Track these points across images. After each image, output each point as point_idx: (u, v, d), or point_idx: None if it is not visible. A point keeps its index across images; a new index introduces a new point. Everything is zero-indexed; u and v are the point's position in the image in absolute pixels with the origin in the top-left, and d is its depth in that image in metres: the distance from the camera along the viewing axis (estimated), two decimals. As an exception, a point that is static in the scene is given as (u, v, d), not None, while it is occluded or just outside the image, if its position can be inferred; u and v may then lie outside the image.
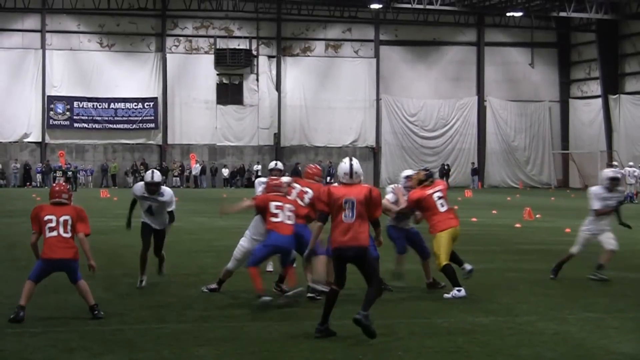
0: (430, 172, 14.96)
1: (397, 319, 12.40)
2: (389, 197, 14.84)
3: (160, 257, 15.50)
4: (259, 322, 12.31)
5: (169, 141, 67.72)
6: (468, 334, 11.38)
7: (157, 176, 15.00)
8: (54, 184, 13.12)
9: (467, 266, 14.97)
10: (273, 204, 13.52)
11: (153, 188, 14.87)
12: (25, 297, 11.95)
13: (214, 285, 14.63)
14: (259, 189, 15.50)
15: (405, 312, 12.99)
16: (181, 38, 68.33)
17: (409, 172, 15.32)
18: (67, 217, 12.09)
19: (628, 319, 12.92)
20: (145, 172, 64.53)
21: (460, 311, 12.97)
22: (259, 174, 61.89)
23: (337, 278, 10.96)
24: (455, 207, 15.13)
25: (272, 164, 17.26)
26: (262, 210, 13.59)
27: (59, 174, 60.22)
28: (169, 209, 15.08)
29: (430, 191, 14.48)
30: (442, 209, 14.46)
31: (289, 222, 13.43)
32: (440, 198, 14.47)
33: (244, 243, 14.61)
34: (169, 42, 67.89)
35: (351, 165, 10.94)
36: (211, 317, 12.64)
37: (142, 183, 15.21)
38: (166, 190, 15.17)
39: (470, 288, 14.65)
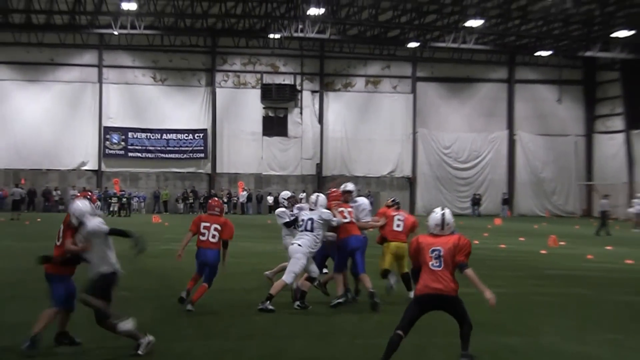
0: (396, 201, 17.27)
1: (426, 337, 12.41)
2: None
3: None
4: (299, 341, 12.38)
5: (218, 170, 68.07)
6: (493, 353, 11.40)
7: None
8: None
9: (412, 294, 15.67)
10: (202, 224, 14.98)
11: None
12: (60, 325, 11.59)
13: (268, 304, 14.90)
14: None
15: (432, 331, 13.02)
16: (230, 73, 68.77)
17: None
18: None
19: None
20: (194, 199, 65.29)
21: (487, 331, 12.96)
22: (303, 201, 62.01)
23: (406, 323, 10.30)
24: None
25: (285, 194, 17.81)
26: (195, 233, 15.08)
27: (114, 200, 60.68)
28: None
29: (394, 213, 16.70)
30: (396, 228, 16.49)
31: (213, 240, 14.83)
32: (399, 220, 16.59)
33: (303, 260, 15.00)
34: (219, 77, 68.37)
35: (443, 215, 10.47)
36: (253, 336, 12.71)
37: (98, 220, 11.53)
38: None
39: (496, 310, 14.69)
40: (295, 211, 16.59)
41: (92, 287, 11.09)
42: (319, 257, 15.85)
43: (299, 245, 15.20)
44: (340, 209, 15.71)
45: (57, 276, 11.37)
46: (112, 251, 11.31)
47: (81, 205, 11.42)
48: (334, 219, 15.45)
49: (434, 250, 10.20)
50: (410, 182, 70.94)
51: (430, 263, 10.19)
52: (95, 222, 11.28)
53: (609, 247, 32.66)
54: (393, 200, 17.28)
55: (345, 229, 15.57)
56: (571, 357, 11.60)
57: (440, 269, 10.14)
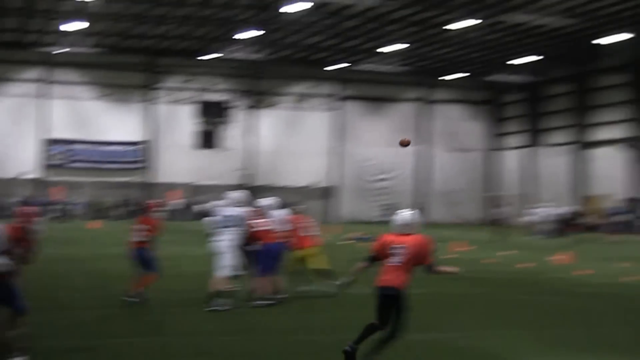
0: (298, 208, 18.09)
1: (331, 335, 12.76)
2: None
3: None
4: (227, 337, 12.57)
5: (155, 180, 67.82)
6: (396, 348, 11.28)
7: None
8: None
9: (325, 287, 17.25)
10: (135, 227, 15.77)
11: None
12: None
13: (219, 302, 15.14)
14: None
15: (340, 326, 13.35)
16: (168, 90, 68.73)
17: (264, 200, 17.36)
18: None
19: (534, 335, 13.44)
20: (132, 207, 64.88)
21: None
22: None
23: (377, 314, 10.44)
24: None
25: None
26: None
27: (54, 207, 60.13)
28: None
29: (300, 220, 17.46)
30: (303, 234, 17.30)
31: (142, 239, 15.57)
32: (305, 226, 17.44)
33: (229, 254, 15.44)
34: (157, 93, 68.24)
35: (408, 216, 10.63)
36: (185, 332, 12.88)
37: None
38: None
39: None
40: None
41: None
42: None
43: (223, 240, 15.48)
44: (257, 220, 16.05)
45: None
46: None
47: None
48: (250, 221, 15.80)
49: (396, 248, 10.30)
50: (334, 192, 71.58)
51: (390, 259, 10.31)
52: None
53: (506, 252, 33.42)
54: (297, 207, 18.05)
55: (265, 236, 15.89)
56: (470, 351, 11.95)
57: (397, 264, 10.26)
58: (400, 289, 10.27)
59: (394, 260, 10.28)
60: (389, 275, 10.28)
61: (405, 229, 10.51)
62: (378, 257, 10.50)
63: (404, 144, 15.36)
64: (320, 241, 17.84)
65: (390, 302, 10.31)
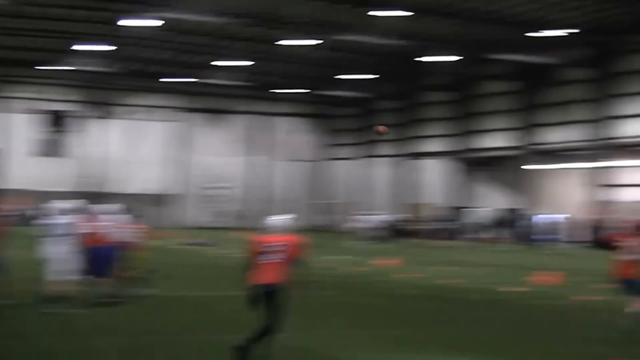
0: (139, 215, 17.94)
1: (168, 335, 12.59)
2: None
3: None
4: (57, 339, 12.25)
5: (2, 187, 65.88)
6: (227, 349, 11.11)
7: None
8: None
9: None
10: None
11: None
12: None
13: (57, 305, 14.81)
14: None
15: (171, 328, 13.28)
16: (18, 99, 66.95)
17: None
18: None
19: (358, 334, 13.74)
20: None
21: (227, 330, 13.36)
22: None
23: (262, 309, 10.62)
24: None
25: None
26: None
27: None
28: None
29: (134, 226, 17.36)
30: (135, 239, 17.27)
31: None
32: (137, 232, 17.38)
33: (64, 258, 15.19)
34: (7, 102, 66.50)
35: (278, 220, 10.85)
36: (18, 335, 12.54)
37: None
38: None
39: (241, 311, 15.19)
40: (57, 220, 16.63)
41: None
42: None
43: (57, 245, 15.26)
44: (90, 225, 16.05)
45: None
46: None
47: None
48: (83, 226, 15.68)
49: (275, 246, 10.49)
50: (178, 199, 71.20)
51: (267, 257, 10.45)
52: None
53: (333, 257, 33.77)
54: (134, 213, 17.89)
55: (98, 240, 15.97)
56: (296, 351, 12.04)
57: (278, 261, 10.45)
58: (280, 285, 10.45)
59: (274, 258, 10.45)
60: (268, 273, 10.41)
61: (281, 230, 10.74)
62: (255, 258, 10.57)
63: (380, 132, 14.95)
64: (152, 245, 17.90)
65: (271, 298, 10.45)
